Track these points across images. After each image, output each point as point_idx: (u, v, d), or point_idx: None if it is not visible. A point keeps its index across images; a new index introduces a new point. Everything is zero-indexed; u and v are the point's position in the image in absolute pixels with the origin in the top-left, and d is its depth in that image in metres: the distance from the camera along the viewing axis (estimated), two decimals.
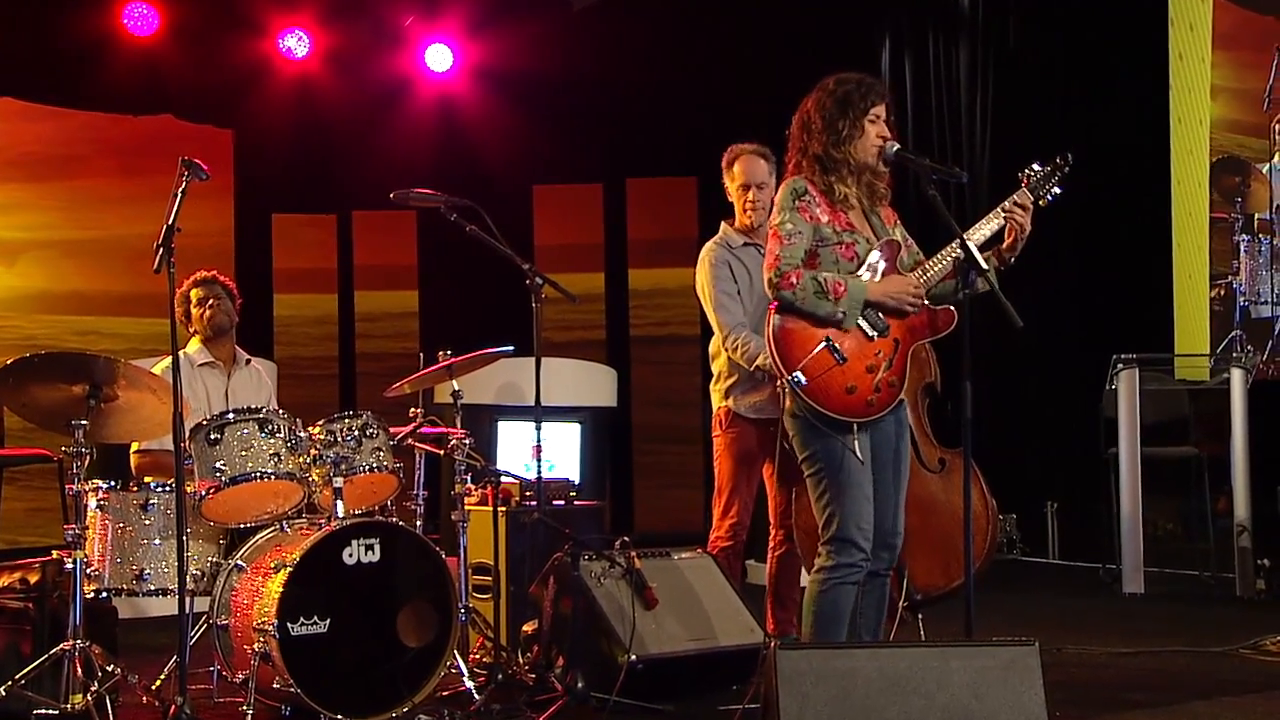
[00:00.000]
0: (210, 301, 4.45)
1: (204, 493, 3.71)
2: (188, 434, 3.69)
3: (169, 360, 3.49)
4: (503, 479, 4.42)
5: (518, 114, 8.29)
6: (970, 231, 3.27)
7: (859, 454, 3.19)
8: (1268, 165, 7.08)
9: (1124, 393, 6.09)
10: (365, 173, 7.80)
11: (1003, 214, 3.31)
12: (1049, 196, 3.35)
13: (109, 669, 3.55)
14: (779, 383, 3.39)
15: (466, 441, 4.26)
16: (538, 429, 3.91)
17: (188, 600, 3.43)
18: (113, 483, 3.78)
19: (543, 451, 3.95)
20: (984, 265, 3.16)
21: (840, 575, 3.26)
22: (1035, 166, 3.36)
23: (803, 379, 3.15)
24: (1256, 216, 7.13)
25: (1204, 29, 7.11)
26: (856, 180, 3.36)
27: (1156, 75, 7.28)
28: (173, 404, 3.38)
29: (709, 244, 4.34)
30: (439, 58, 8.50)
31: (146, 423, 3.76)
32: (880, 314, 3.28)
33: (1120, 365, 6.15)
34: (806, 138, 3.35)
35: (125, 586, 3.71)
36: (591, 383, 6.72)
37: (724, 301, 4.20)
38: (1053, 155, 3.40)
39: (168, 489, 3.75)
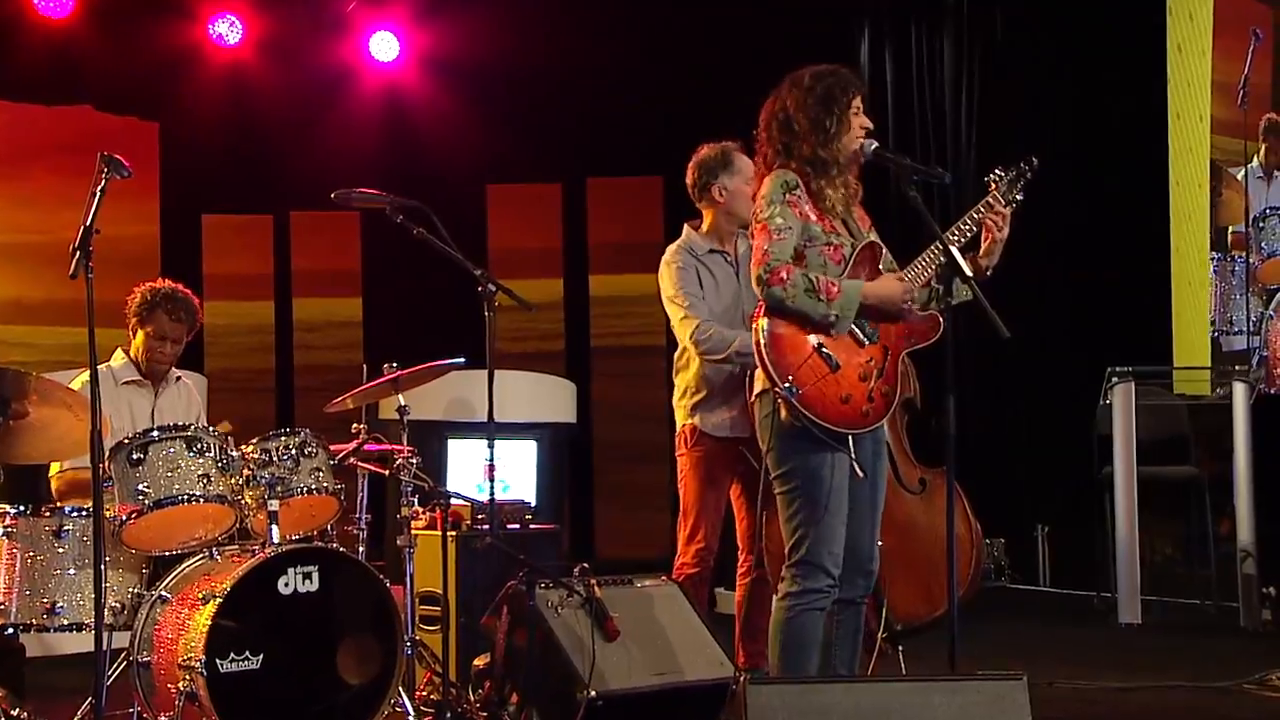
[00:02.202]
0: (167, 345, 4.35)
1: (125, 517, 3.68)
2: (107, 454, 3.66)
3: (88, 374, 3.47)
4: (452, 501, 4.42)
5: (470, 108, 8.29)
6: (948, 235, 3.32)
7: (860, 469, 3.23)
8: (1243, 170, 6.98)
9: (1119, 408, 6.16)
10: (304, 170, 7.77)
11: (977, 217, 3.36)
12: (1014, 201, 3.40)
13: (14, 713, 3.51)
14: (750, 398, 3.41)
15: (413, 461, 4.25)
16: (490, 447, 3.91)
17: (105, 635, 3.40)
18: (22, 507, 3.74)
19: (496, 471, 3.95)
20: (968, 271, 3.20)
21: (806, 601, 3.29)
22: (998, 171, 3.42)
23: (796, 388, 3.18)
24: (1230, 230, 7.00)
25: (1205, 19, 7.20)
26: (844, 182, 3.42)
27: (1155, 68, 7.38)
28: (91, 421, 3.36)
29: (672, 247, 4.36)
30: (384, 46, 8.48)
31: (60, 442, 3.73)
32: (867, 320, 3.33)
33: (1115, 379, 6.22)
34: (789, 139, 3.37)
35: (35, 621, 3.66)
36: (549, 397, 6.73)
37: (691, 301, 4.23)
38: (1017, 159, 3.46)
39: (84, 514, 3.72)
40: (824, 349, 3.22)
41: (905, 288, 3.29)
